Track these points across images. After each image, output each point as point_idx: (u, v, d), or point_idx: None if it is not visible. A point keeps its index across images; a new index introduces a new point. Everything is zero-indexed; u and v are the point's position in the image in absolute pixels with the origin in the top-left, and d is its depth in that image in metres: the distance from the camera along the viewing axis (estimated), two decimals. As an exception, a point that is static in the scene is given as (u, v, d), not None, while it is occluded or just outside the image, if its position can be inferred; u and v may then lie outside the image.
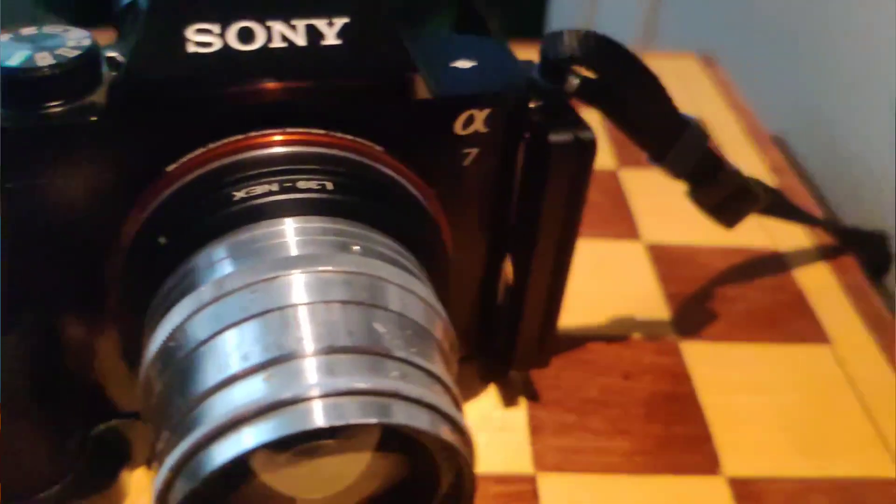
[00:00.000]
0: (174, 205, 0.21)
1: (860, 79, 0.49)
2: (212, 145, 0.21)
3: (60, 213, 0.21)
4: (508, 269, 0.28)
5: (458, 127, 0.23)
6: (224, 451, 0.16)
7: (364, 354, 0.18)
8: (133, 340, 0.21)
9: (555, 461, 0.29)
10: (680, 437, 0.30)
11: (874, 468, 0.30)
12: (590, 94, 0.25)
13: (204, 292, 0.19)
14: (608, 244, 0.39)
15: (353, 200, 0.21)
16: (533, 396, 0.31)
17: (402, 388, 0.18)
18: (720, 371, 0.33)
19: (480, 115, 0.23)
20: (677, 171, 0.28)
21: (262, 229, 0.20)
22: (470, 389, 0.31)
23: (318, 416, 0.17)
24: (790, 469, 0.29)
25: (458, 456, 0.19)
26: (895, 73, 0.46)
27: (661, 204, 0.41)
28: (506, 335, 0.29)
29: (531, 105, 0.25)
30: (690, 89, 0.51)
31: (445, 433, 0.18)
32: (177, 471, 0.16)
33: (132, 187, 0.21)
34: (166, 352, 0.18)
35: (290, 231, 0.20)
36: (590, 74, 0.25)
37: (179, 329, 0.18)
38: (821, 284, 0.38)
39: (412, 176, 0.23)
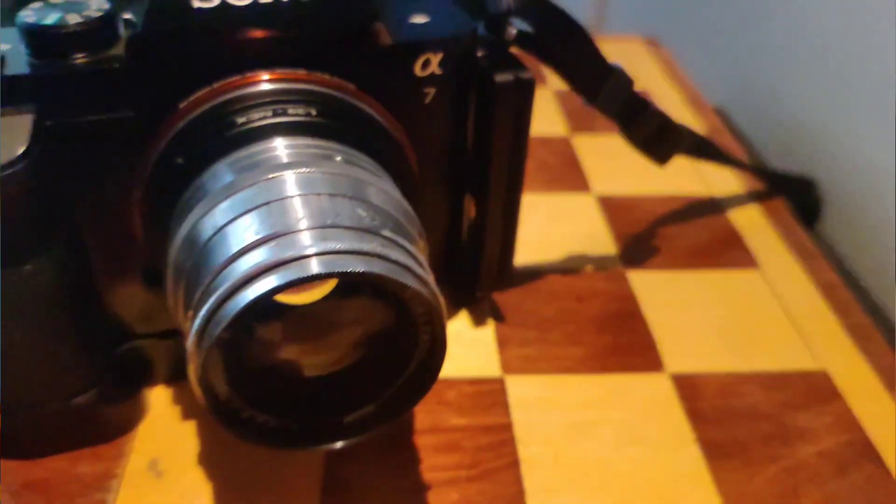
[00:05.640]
0: (188, 133, 0.25)
1: (793, 50, 0.54)
2: (216, 84, 0.25)
3: (91, 147, 0.25)
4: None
5: (417, 69, 0.28)
6: (244, 298, 0.20)
7: (352, 230, 0.23)
8: (155, 255, 0.26)
9: (519, 366, 0.33)
10: (627, 345, 0.35)
11: (797, 362, 0.34)
12: (526, 43, 0.30)
13: (218, 194, 0.23)
14: (562, 197, 0.44)
15: (334, 124, 0.25)
16: (499, 318, 0.36)
17: (386, 252, 0.22)
18: (661, 293, 0.38)
19: (435, 59, 0.28)
20: (607, 111, 0.33)
21: (259, 146, 0.25)
22: (443, 314, 0.36)
23: (315, 266, 0.21)
24: (723, 366, 0.34)
25: (433, 310, 0.23)
26: (822, 40, 0.51)
27: (609, 164, 0.47)
28: (470, 264, 0.34)
29: (479, 54, 0.30)
30: (636, 69, 0.56)
31: (421, 287, 0.23)
32: (208, 319, 0.21)
33: (151, 122, 0.25)
34: (190, 239, 0.23)
35: (281, 146, 0.25)
36: (525, 26, 0.29)
37: (199, 222, 0.23)
38: (752, 223, 0.43)
39: (381, 109, 0.27)
